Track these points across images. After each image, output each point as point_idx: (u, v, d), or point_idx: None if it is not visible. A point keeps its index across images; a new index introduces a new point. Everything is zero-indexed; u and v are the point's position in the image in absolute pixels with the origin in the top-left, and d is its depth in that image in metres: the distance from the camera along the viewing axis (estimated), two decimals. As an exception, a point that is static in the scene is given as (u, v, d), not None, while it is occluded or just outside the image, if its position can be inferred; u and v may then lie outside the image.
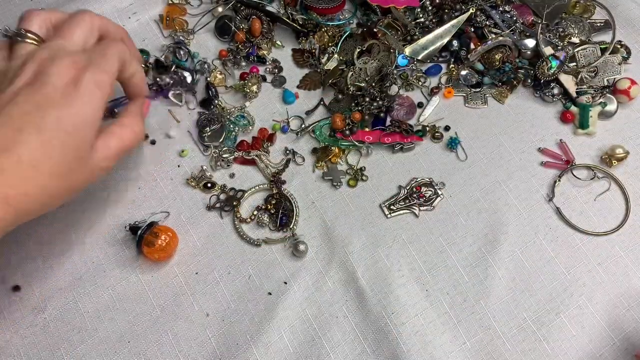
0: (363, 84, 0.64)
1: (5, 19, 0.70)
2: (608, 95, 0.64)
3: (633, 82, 0.63)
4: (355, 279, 0.56)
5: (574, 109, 0.63)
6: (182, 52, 0.67)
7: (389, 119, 0.64)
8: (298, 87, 0.66)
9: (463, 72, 0.66)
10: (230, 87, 0.66)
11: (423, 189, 0.60)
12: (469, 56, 0.66)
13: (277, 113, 0.65)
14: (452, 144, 0.62)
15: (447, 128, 0.63)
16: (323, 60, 0.67)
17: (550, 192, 0.60)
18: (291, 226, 0.58)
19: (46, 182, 0.41)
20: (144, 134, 0.57)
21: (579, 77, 0.65)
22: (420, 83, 0.66)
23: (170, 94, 0.64)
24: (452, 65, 0.67)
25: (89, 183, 0.47)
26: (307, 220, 0.59)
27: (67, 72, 0.43)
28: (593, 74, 0.65)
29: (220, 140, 0.62)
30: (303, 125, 0.64)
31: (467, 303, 0.55)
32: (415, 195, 0.59)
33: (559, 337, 0.53)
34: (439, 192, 0.60)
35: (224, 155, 0.61)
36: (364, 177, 0.61)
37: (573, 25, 0.68)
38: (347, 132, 0.61)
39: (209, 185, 0.60)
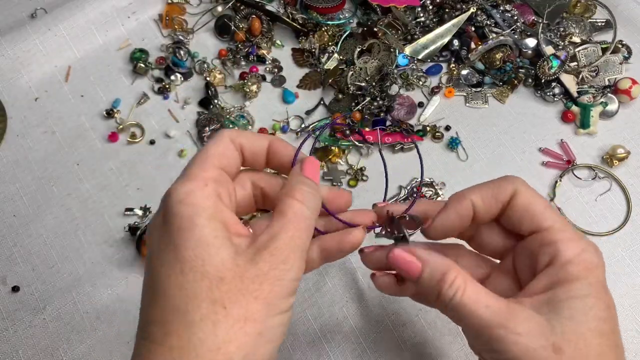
0: (363, 84, 0.64)
1: (6, 19, 0.70)
2: (609, 95, 0.64)
3: (634, 82, 0.63)
4: (355, 279, 0.56)
5: (575, 108, 0.63)
6: (182, 52, 0.66)
7: (389, 119, 0.64)
8: (298, 86, 0.66)
9: (464, 72, 0.66)
10: (229, 87, 0.66)
11: (424, 189, 0.59)
12: (469, 56, 0.66)
13: (277, 113, 0.65)
14: (453, 143, 0.62)
15: (447, 128, 0.63)
16: (323, 60, 0.67)
17: (552, 192, 0.60)
18: (291, 226, 0.58)
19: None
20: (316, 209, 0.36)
21: (580, 76, 0.64)
22: (420, 83, 0.66)
23: None
24: (452, 65, 0.67)
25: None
26: (307, 220, 0.59)
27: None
28: (594, 74, 0.65)
29: (220, 140, 0.62)
30: (303, 125, 0.63)
31: (467, 303, 0.55)
32: (415, 195, 0.59)
33: (560, 337, 0.53)
34: (440, 192, 0.59)
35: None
36: (364, 177, 0.61)
37: (574, 25, 0.67)
38: (347, 132, 0.61)
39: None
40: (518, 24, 0.66)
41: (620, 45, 0.66)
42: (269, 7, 0.69)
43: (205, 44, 0.69)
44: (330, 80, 0.65)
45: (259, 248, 0.32)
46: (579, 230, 0.37)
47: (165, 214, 0.32)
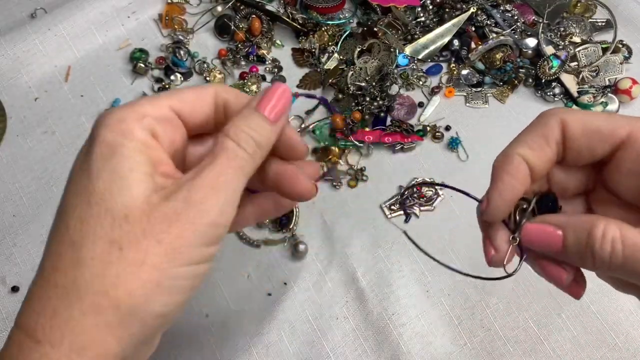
0: (363, 84, 0.64)
1: (5, 19, 0.70)
2: (609, 94, 0.64)
3: (634, 82, 0.63)
4: (355, 279, 0.56)
5: (575, 108, 0.63)
6: (182, 52, 0.66)
7: (389, 119, 0.64)
8: (298, 86, 0.66)
9: (464, 72, 0.66)
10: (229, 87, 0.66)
11: (424, 189, 0.59)
12: (469, 55, 0.66)
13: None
14: (453, 143, 0.62)
15: (447, 128, 0.63)
16: (323, 60, 0.67)
17: (552, 192, 0.59)
18: (291, 226, 0.58)
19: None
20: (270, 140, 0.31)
21: (580, 76, 0.64)
22: (420, 82, 0.66)
23: None
24: (452, 65, 0.67)
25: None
26: (307, 220, 0.59)
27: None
28: (594, 74, 0.65)
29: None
30: (303, 125, 0.63)
31: (467, 304, 0.55)
32: (415, 195, 0.59)
33: (560, 337, 0.53)
34: (440, 193, 0.59)
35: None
36: (364, 177, 0.60)
37: (574, 25, 0.67)
38: (347, 132, 0.61)
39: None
40: (518, 24, 0.66)
41: (620, 45, 0.66)
42: (269, 7, 0.69)
43: (205, 44, 0.69)
44: (330, 80, 0.65)
45: (177, 185, 0.27)
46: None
47: (91, 138, 0.29)
